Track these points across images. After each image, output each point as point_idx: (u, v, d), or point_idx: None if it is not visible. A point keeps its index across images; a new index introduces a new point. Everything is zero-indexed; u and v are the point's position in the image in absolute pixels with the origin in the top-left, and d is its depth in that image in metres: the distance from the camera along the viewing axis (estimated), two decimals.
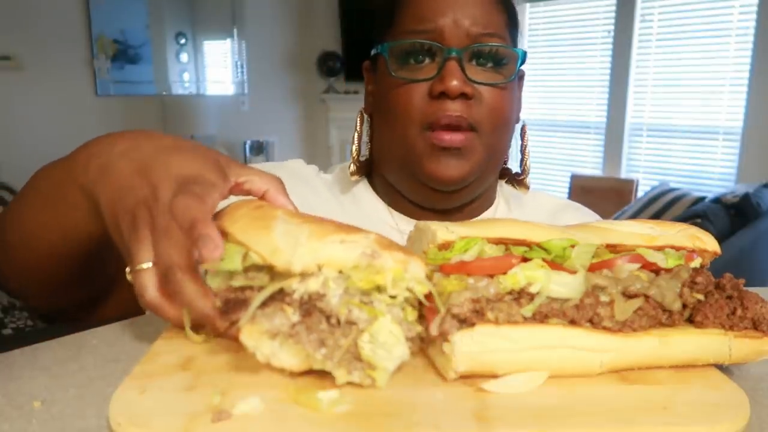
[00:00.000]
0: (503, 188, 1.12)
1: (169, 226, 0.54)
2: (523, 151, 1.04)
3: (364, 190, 1.08)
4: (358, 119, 1.03)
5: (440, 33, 0.90)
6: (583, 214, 1.13)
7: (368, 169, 1.08)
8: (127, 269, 0.57)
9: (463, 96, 0.89)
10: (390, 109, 0.95)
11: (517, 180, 1.06)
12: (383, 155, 1.02)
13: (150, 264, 0.55)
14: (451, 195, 0.97)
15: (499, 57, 0.92)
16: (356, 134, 1.03)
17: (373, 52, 1.00)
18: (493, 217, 1.06)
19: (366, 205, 1.06)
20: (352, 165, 1.03)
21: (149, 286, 0.55)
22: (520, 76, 1.04)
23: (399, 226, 1.03)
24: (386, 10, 0.98)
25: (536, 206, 1.11)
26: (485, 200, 1.07)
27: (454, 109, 0.88)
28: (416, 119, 0.91)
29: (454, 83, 0.87)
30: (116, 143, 0.64)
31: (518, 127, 1.05)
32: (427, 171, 0.92)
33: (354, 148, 1.03)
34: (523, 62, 0.96)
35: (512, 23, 0.98)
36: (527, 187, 1.04)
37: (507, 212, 1.09)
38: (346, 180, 1.08)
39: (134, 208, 0.57)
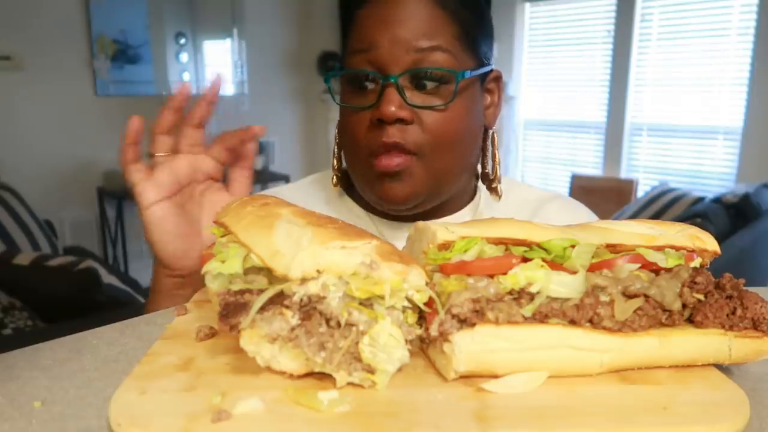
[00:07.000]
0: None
1: None
2: (492, 159, 1.05)
3: (342, 197, 1.11)
4: (336, 131, 1.04)
5: (377, 51, 0.90)
6: (568, 203, 1.12)
7: (348, 179, 1.09)
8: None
9: (401, 121, 0.89)
10: (342, 134, 1.00)
11: (490, 187, 1.06)
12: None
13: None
14: (408, 209, 0.98)
15: (439, 77, 0.91)
16: (335, 146, 1.05)
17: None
18: (492, 217, 1.06)
19: (346, 213, 1.08)
20: (333, 177, 1.07)
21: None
22: (496, 78, 1.03)
23: (379, 229, 1.06)
24: (343, 27, 0.99)
25: (518, 200, 1.11)
26: (460, 201, 1.07)
27: (390, 134, 0.90)
28: (361, 146, 0.94)
29: (391, 109, 0.88)
30: None
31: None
32: (375, 194, 0.96)
33: (334, 160, 1.06)
34: (472, 79, 0.94)
35: (468, 34, 0.94)
36: (498, 195, 1.04)
37: (489, 208, 1.08)
38: (326, 188, 1.13)
39: None
